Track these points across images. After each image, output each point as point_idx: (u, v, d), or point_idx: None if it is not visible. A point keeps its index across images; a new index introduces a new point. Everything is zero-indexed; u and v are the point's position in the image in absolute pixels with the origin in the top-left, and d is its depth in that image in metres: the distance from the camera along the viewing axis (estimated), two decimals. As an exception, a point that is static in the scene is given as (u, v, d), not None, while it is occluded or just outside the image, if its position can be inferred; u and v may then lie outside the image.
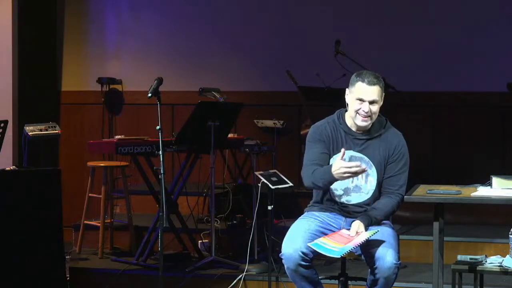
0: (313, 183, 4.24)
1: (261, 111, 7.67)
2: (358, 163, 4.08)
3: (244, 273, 5.62)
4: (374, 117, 4.32)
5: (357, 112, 4.29)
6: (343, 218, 4.38)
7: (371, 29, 7.76)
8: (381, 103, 4.33)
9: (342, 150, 4.17)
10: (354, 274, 4.88)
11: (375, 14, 7.80)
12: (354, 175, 4.12)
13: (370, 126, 4.36)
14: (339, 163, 4.07)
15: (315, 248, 4.09)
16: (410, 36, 7.70)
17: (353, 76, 4.35)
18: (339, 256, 4.06)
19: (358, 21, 7.78)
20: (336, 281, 4.43)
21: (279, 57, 7.88)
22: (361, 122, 4.30)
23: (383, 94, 4.34)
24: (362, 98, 4.26)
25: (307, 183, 4.30)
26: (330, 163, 4.27)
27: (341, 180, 4.15)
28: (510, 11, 7.53)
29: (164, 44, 8.32)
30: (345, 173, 4.05)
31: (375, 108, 4.29)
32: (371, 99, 4.26)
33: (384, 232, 4.23)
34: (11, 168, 5.63)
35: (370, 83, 4.26)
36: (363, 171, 4.09)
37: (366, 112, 4.27)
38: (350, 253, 4.14)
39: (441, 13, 7.66)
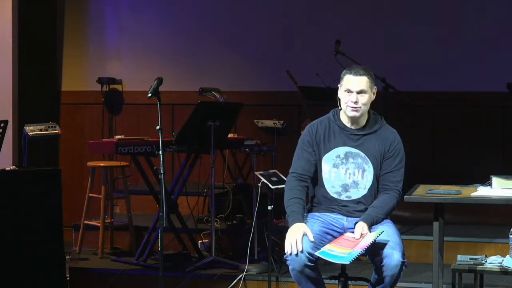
0: (285, 201, 4.33)
1: (261, 111, 7.66)
2: (299, 247, 4.09)
3: (244, 273, 5.63)
4: (364, 108, 4.34)
5: (346, 103, 4.34)
6: (345, 218, 4.38)
7: (371, 29, 7.76)
8: (373, 96, 4.38)
9: (311, 239, 4.17)
10: (354, 274, 4.89)
11: (375, 14, 7.80)
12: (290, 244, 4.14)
13: (363, 120, 4.40)
14: (300, 232, 4.11)
15: (322, 257, 4.07)
16: (410, 36, 7.70)
17: (343, 72, 4.43)
18: (348, 262, 4.05)
19: (358, 21, 7.79)
20: (336, 281, 4.43)
21: (279, 57, 7.88)
22: (351, 112, 4.34)
23: (375, 87, 4.38)
24: (349, 89, 4.33)
25: (284, 196, 4.37)
26: (322, 163, 4.36)
27: (288, 235, 4.18)
28: (510, 11, 7.53)
29: (164, 44, 8.32)
30: (289, 243, 4.11)
31: (364, 99, 4.32)
32: (358, 89, 4.31)
33: (388, 230, 4.24)
34: (11, 168, 5.63)
35: (357, 74, 4.33)
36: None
37: (355, 102, 4.31)
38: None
39: (441, 13, 7.66)
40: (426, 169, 7.57)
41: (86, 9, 8.51)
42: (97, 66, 8.41)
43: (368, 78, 4.34)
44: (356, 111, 4.33)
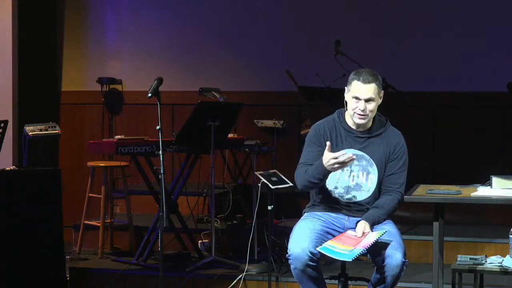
0: (308, 180, 4.27)
1: (261, 111, 7.67)
2: (344, 151, 4.13)
3: (244, 273, 5.63)
4: (371, 114, 4.34)
5: (354, 110, 4.32)
6: (346, 217, 4.39)
7: (371, 29, 7.76)
8: (380, 101, 4.37)
9: (328, 143, 4.19)
10: (354, 274, 4.89)
11: (375, 14, 7.80)
12: (343, 165, 4.15)
13: (369, 123, 4.39)
14: (328, 155, 4.13)
15: (324, 252, 4.07)
16: (410, 36, 7.70)
17: (351, 75, 4.39)
18: (350, 260, 4.04)
19: (358, 21, 7.78)
20: (336, 281, 4.43)
21: (279, 57, 7.88)
22: (358, 120, 4.34)
23: (382, 92, 4.37)
24: (358, 97, 4.30)
25: (300, 184, 4.34)
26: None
27: (332, 171, 4.19)
28: (510, 11, 7.53)
29: (164, 44, 8.32)
30: (334, 164, 4.11)
31: (371, 106, 4.31)
32: (366, 97, 4.29)
33: (390, 230, 4.26)
34: (11, 168, 5.63)
35: (366, 81, 4.29)
36: (351, 159, 4.12)
37: (362, 111, 4.30)
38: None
39: (441, 13, 7.66)
40: (426, 169, 7.57)
41: (86, 9, 8.51)
42: (97, 66, 8.40)
43: (377, 84, 4.31)
44: (363, 118, 4.33)
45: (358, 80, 4.30)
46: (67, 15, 8.50)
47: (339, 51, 6.80)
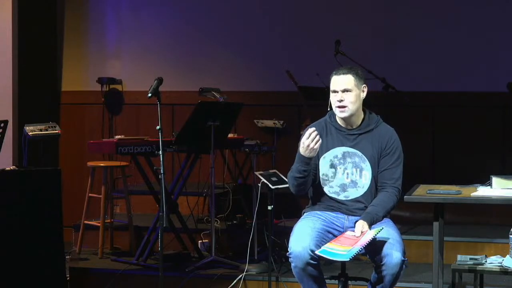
0: (294, 177, 4.33)
1: (261, 111, 7.67)
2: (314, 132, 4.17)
3: (244, 273, 5.63)
4: (352, 106, 4.36)
5: (334, 104, 4.38)
6: (345, 216, 4.39)
7: (371, 29, 7.76)
8: (363, 94, 4.40)
9: (310, 130, 4.22)
10: (354, 274, 4.89)
11: (375, 13, 7.80)
12: (313, 143, 4.17)
13: (357, 120, 4.41)
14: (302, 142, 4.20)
15: (322, 255, 4.08)
16: (410, 35, 7.70)
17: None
18: (348, 259, 4.05)
19: (358, 21, 7.79)
20: (336, 281, 4.43)
21: (279, 57, 7.88)
22: (339, 113, 4.38)
23: (363, 84, 4.41)
24: (335, 89, 4.38)
25: (290, 185, 4.41)
26: (320, 164, 4.39)
27: (308, 155, 4.20)
28: (510, 11, 7.53)
29: (164, 44, 8.32)
30: (304, 146, 4.16)
31: (350, 97, 4.34)
32: (342, 88, 4.35)
33: (388, 229, 4.26)
34: (11, 168, 5.63)
35: (340, 74, 4.38)
36: (313, 136, 4.16)
37: (340, 101, 4.34)
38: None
39: (441, 13, 7.67)
40: (426, 169, 7.57)
41: (86, 9, 8.51)
42: (97, 66, 8.40)
43: (353, 76, 4.37)
44: (344, 111, 4.36)
45: (335, 74, 4.40)
46: (67, 15, 8.50)
47: (339, 51, 6.80)
